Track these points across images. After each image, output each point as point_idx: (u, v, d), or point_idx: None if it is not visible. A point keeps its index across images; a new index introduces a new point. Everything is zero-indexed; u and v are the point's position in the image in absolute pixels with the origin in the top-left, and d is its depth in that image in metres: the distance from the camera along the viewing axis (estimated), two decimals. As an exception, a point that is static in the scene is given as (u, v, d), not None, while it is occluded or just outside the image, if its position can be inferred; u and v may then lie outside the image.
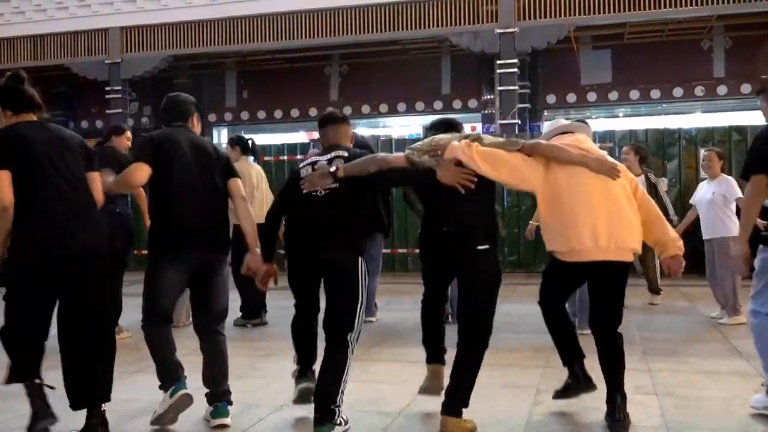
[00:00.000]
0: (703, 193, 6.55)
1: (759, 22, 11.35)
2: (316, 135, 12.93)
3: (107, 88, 12.86)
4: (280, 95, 14.74)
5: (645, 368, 4.49)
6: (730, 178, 6.46)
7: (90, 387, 3.21)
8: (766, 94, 3.71)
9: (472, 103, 13.94)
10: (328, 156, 3.54)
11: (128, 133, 6.12)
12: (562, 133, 3.67)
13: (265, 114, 15.06)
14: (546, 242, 3.53)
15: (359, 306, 3.37)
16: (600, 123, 13.50)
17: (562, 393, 3.77)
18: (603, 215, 3.33)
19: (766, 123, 3.72)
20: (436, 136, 3.55)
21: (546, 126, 3.87)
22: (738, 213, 6.34)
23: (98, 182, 3.45)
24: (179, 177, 3.51)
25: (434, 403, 3.73)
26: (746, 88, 12.26)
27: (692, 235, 6.71)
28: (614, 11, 10.75)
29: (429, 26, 11.50)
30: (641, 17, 10.94)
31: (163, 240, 3.53)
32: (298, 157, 10.73)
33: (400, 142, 11.01)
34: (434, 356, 3.73)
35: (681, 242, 3.57)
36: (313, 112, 14.38)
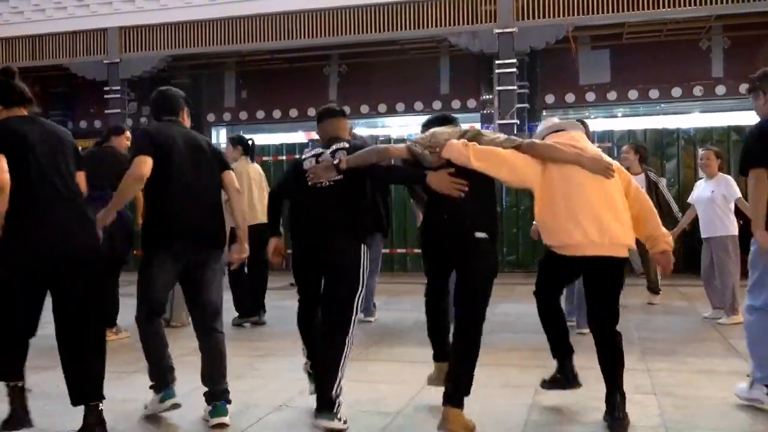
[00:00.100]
0: (702, 191, 6.54)
1: (757, 22, 11.36)
2: (314, 135, 12.93)
3: (106, 88, 12.85)
4: (278, 95, 14.74)
5: (644, 368, 4.50)
6: (728, 177, 6.46)
7: (84, 384, 3.21)
8: (756, 92, 3.77)
9: (471, 103, 13.94)
10: (331, 149, 3.62)
11: (128, 133, 6.12)
12: (557, 131, 3.69)
13: (264, 114, 15.06)
14: (543, 237, 3.60)
15: (359, 291, 3.47)
16: (599, 123, 13.49)
17: (549, 384, 3.83)
18: (596, 211, 3.38)
19: (758, 120, 3.77)
20: (437, 129, 3.57)
21: (539, 126, 3.90)
22: (736, 213, 6.37)
23: (83, 181, 3.44)
24: (174, 172, 3.51)
25: (433, 403, 3.74)
26: (745, 88, 12.19)
27: (691, 234, 6.72)
28: (613, 11, 10.76)
29: (428, 26, 11.50)
30: (640, 17, 10.95)
31: (156, 235, 3.53)
32: (297, 157, 10.72)
33: (399, 142, 10.98)
34: (440, 354, 3.78)
35: (671, 238, 3.64)
36: (311, 112, 14.37)
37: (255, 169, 6.71)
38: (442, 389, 3.85)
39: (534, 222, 6.92)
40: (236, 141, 6.76)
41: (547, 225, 3.52)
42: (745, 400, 3.70)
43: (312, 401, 3.73)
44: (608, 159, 3.58)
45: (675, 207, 7.28)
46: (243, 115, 15.23)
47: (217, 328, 3.66)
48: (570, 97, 13.50)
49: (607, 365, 3.45)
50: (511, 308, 6.71)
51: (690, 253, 6.91)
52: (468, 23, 11.32)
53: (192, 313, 3.73)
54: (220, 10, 12.22)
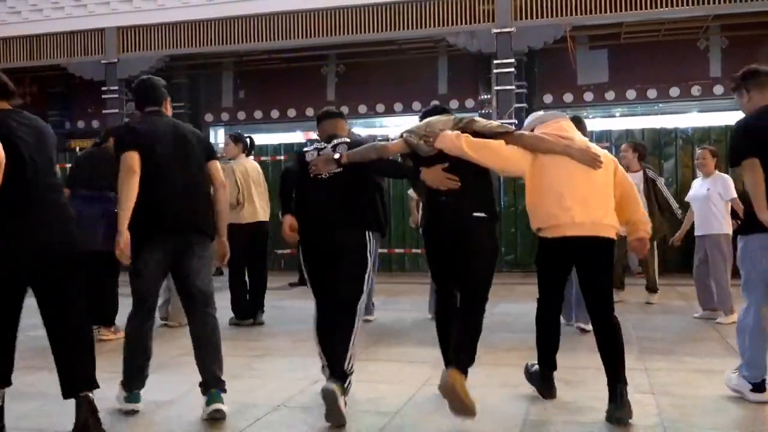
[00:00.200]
0: (698, 190, 6.56)
1: (755, 22, 11.38)
2: (312, 135, 12.94)
3: (104, 88, 12.85)
4: (276, 95, 14.73)
5: (642, 367, 4.50)
6: (725, 176, 6.46)
7: (72, 376, 3.19)
8: (740, 90, 3.85)
9: (469, 102, 13.95)
10: (332, 143, 3.79)
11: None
12: (544, 122, 3.80)
13: (262, 114, 15.06)
14: (531, 221, 3.74)
15: (367, 276, 3.65)
16: (597, 123, 13.51)
17: (528, 375, 3.94)
18: (581, 197, 3.54)
19: (743, 117, 3.85)
20: (432, 118, 3.72)
21: (527, 119, 4.01)
22: (732, 213, 6.37)
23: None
24: (159, 163, 3.54)
25: (432, 403, 3.74)
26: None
27: (690, 233, 6.72)
28: (611, 11, 10.77)
29: (426, 26, 11.51)
30: (638, 17, 10.96)
31: (144, 224, 3.53)
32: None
33: (397, 141, 10.99)
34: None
35: (649, 225, 3.82)
36: (309, 111, 14.38)
37: (254, 166, 6.71)
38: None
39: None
40: (238, 138, 6.77)
41: (535, 209, 3.68)
42: (732, 389, 3.81)
43: (311, 401, 3.73)
44: (597, 149, 3.70)
45: (674, 203, 7.29)
46: (241, 115, 15.22)
47: (210, 312, 3.67)
48: (568, 97, 13.51)
49: (607, 357, 3.51)
50: (510, 308, 6.71)
51: (689, 253, 6.92)
52: (466, 23, 11.33)
53: (184, 303, 3.74)
54: (218, 10, 12.21)
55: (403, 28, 11.59)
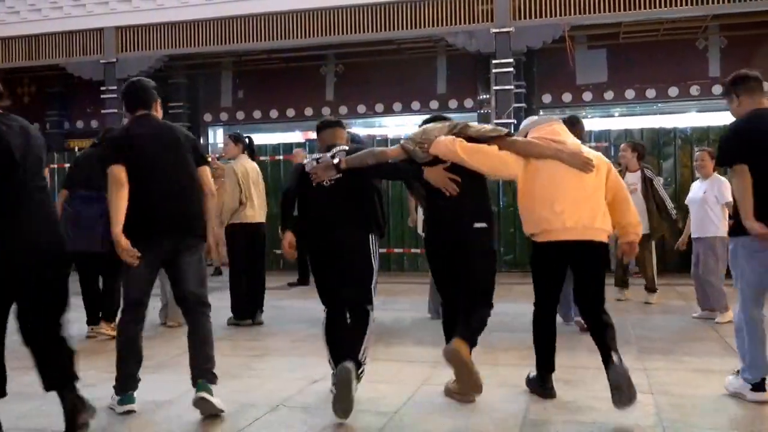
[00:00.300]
0: (695, 192, 6.57)
1: (754, 22, 11.38)
2: (311, 135, 12.93)
3: (102, 88, 12.81)
4: (275, 95, 14.72)
5: (641, 367, 4.49)
6: (723, 179, 6.45)
7: (59, 373, 3.17)
8: (729, 95, 3.90)
9: (468, 102, 13.95)
10: (331, 152, 3.87)
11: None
12: (538, 126, 3.87)
13: (261, 114, 15.04)
14: (523, 226, 3.83)
15: (373, 279, 3.77)
16: (595, 122, 13.51)
17: (528, 381, 3.96)
18: (572, 201, 3.60)
19: (733, 120, 3.90)
20: (428, 125, 3.85)
21: (522, 125, 4.06)
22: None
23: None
24: (150, 167, 3.56)
25: (431, 402, 3.74)
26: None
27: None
28: (609, 11, 10.75)
29: (424, 26, 11.49)
30: (636, 17, 10.95)
31: (135, 227, 3.53)
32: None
33: (396, 141, 10.95)
34: None
35: (640, 228, 3.86)
36: (308, 111, 14.37)
37: (253, 166, 6.70)
38: (440, 389, 3.87)
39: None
40: (238, 138, 6.76)
41: (528, 213, 3.76)
42: (733, 394, 3.82)
43: (310, 401, 3.73)
44: (590, 152, 3.74)
45: (669, 203, 7.29)
46: (240, 115, 15.21)
47: (203, 312, 3.71)
48: (567, 97, 13.52)
49: (600, 340, 3.62)
50: (509, 308, 6.70)
51: (688, 253, 6.92)
52: (465, 23, 11.32)
53: (178, 304, 3.83)
54: (217, 10, 12.19)
55: (402, 28, 11.57)
